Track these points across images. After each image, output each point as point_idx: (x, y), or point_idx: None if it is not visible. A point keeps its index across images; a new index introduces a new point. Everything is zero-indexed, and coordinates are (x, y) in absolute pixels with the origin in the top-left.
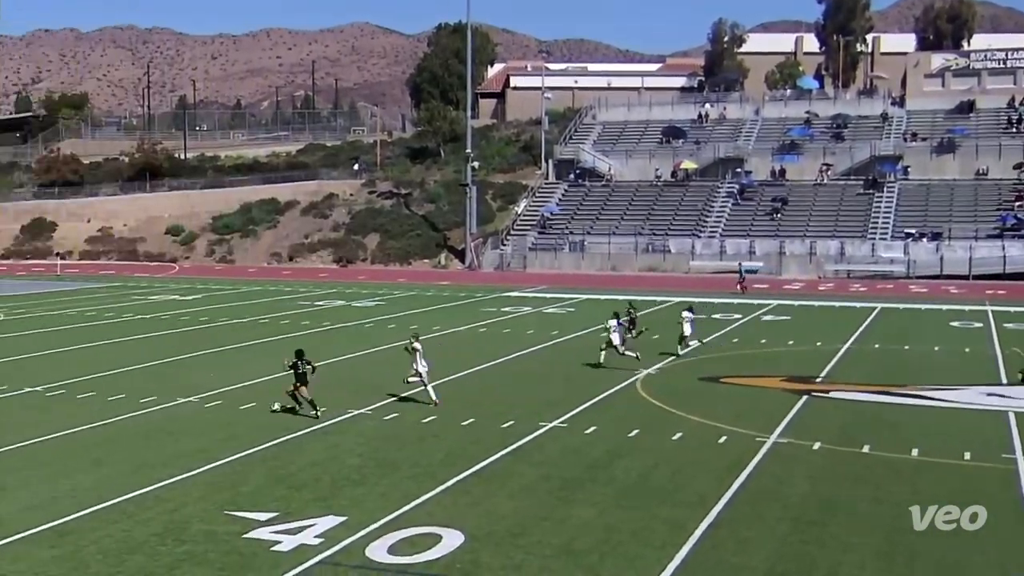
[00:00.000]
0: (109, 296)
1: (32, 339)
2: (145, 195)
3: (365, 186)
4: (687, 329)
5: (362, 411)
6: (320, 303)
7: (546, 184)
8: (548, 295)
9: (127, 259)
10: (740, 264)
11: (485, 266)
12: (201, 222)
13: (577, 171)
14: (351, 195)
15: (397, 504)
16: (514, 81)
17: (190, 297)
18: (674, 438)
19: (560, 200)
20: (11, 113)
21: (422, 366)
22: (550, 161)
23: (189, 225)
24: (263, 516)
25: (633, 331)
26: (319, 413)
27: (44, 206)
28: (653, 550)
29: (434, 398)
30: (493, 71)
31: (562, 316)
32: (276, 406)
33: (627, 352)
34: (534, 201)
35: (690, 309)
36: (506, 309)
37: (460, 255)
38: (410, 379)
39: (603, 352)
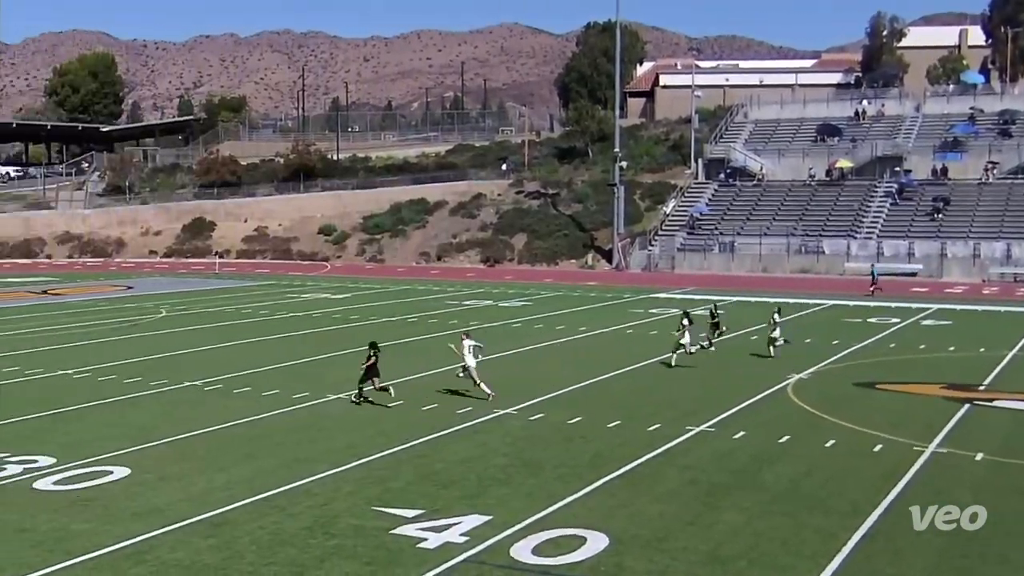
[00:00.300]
0: (264, 294)
1: (191, 335)
2: (299, 195)
3: (513, 186)
4: (776, 331)
5: (508, 411)
6: (467, 303)
7: (695, 184)
8: (697, 296)
9: (281, 258)
10: (872, 265)
11: (632, 267)
12: (352, 222)
13: (728, 170)
14: (499, 195)
15: (542, 504)
16: (663, 80)
17: (341, 296)
18: (826, 445)
19: (710, 200)
20: (174, 117)
21: (470, 361)
22: (700, 160)
23: (341, 225)
24: (410, 513)
25: (716, 333)
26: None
27: (204, 206)
28: (803, 560)
29: (487, 391)
30: (642, 70)
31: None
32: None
33: (691, 349)
34: (683, 201)
35: (779, 312)
36: (654, 311)
37: (607, 255)
38: (459, 374)
39: (674, 355)
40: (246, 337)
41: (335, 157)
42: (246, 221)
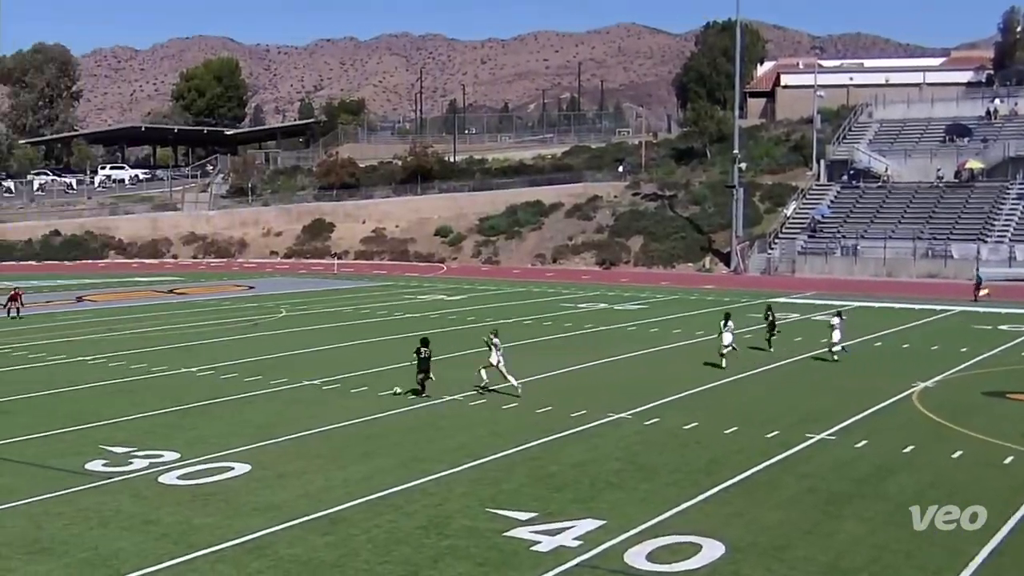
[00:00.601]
0: (381, 295)
1: (310, 334)
2: (416, 197)
3: (629, 188)
4: (836, 335)
5: (622, 415)
6: (583, 305)
7: (817, 185)
8: (818, 301)
9: (398, 259)
10: (977, 269)
11: (751, 270)
12: (468, 223)
13: (851, 172)
14: (615, 197)
15: (657, 510)
16: (785, 79)
17: (457, 297)
18: (953, 456)
19: (832, 202)
20: (295, 120)
21: (495, 358)
22: (822, 162)
23: (457, 226)
24: (523, 515)
25: (774, 332)
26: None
27: (323, 207)
28: (928, 574)
29: (515, 384)
30: (763, 69)
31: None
32: (397, 390)
33: (725, 351)
34: (804, 203)
35: (839, 315)
36: None
37: (725, 259)
38: (483, 369)
39: (724, 358)
40: (364, 337)
41: (452, 159)
42: (364, 222)
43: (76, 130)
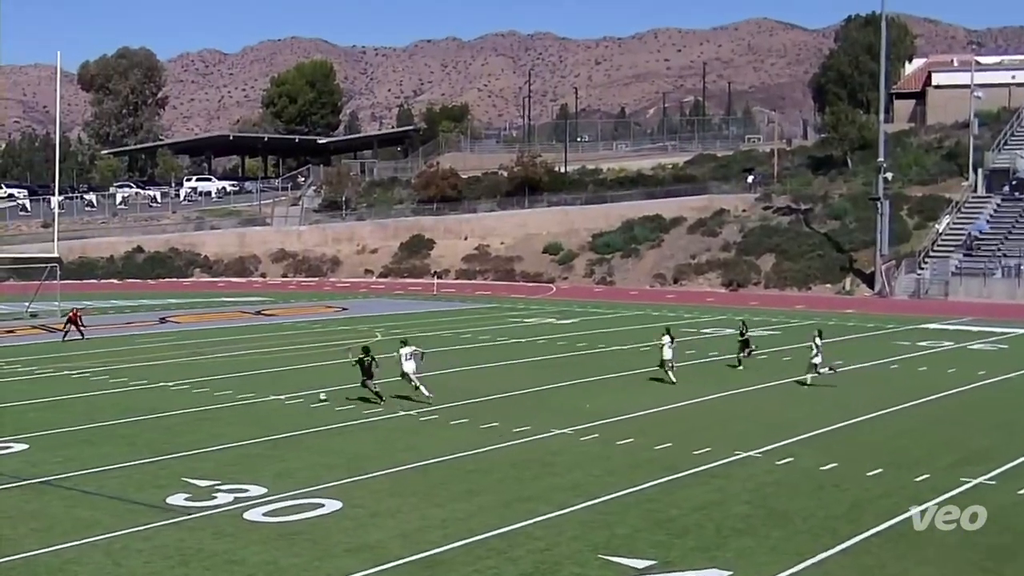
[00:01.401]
0: (485, 318)
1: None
2: (523, 211)
3: (759, 201)
4: (408, 367)
5: (751, 453)
6: (706, 331)
7: (974, 198)
8: (974, 328)
9: (503, 279)
10: None
11: (898, 292)
12: (580, 240)
13: (1013, 182)
14: (743, 211)
15: (790, 561)
16: (936, 78)
17: (567, 321)
18: None
19: (992, 216)
20: (393, 127)
21: (408, 367)
22: (979, 171)
23: (568, 243)
24: (640, 563)
25: (747, 351)
26: (382, 401)
27: (422, 222)
28: None
29: (426, 393)
30: (911, 68)
31: (992, 354)
32: (323, 396)
33: (670, 372)
34: (959, 217)
35: (819, 334)
36: (922, 343)
37: (868, 280)
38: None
39: (663, 368)
40: (464, 364)
41: (563, 169)
42: (466, 239)
43: (161, 139)
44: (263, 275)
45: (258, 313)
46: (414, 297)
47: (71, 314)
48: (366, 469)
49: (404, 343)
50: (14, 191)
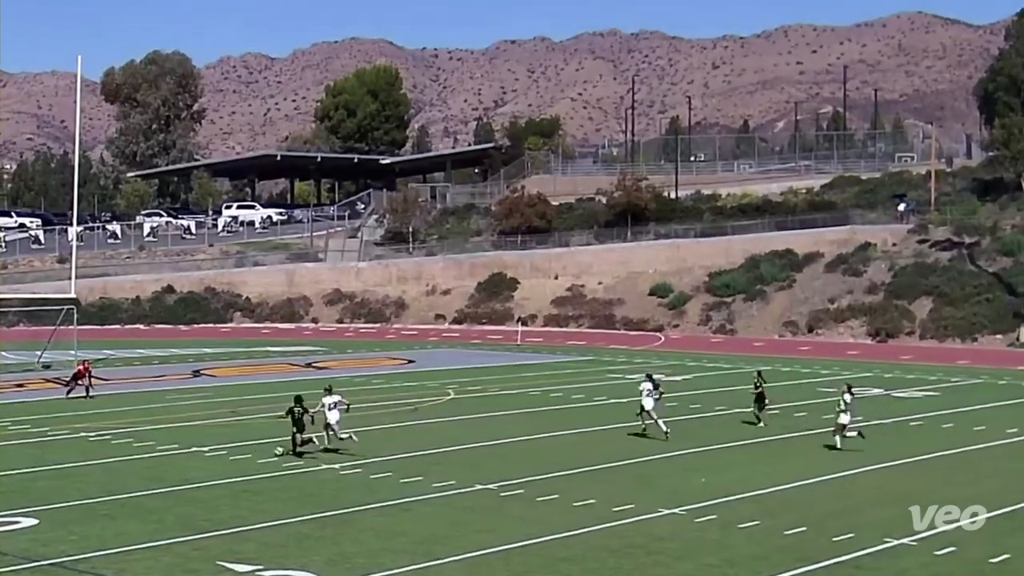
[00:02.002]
0: (579, 373)
1: (485, 424)
2: (625, 245)
3: (913, 233)
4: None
5: (904, 540)
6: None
7: None
8: None
9: (601, 326)
10: None
11: None
12: (694, 280)
13: None
14: (893, 245)
15: None
16: None
17: (679, 378)
18: None
19: None
20: (469, 144)
21: (332, 417)
22: None
23: (679, 284)
24: None
25: (763, 404)
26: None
27: (504, 258)
28: None
29: (354, 439)
30: None
31: None
32: (279, 450)
33: (659, 421)
34: None
35: (849, 390)
36: None
37: None
38: (315, 436)
39: (641, 418)
40: (555, 429)
41: (673, 195)
42: (557, 278)
43: (197, 159)
44: (314, 320)
45: (308, 366)
46: (493, 348)
47: (80, 367)
48: (436, 554)
49: (328, 391)
50: (26, 220)
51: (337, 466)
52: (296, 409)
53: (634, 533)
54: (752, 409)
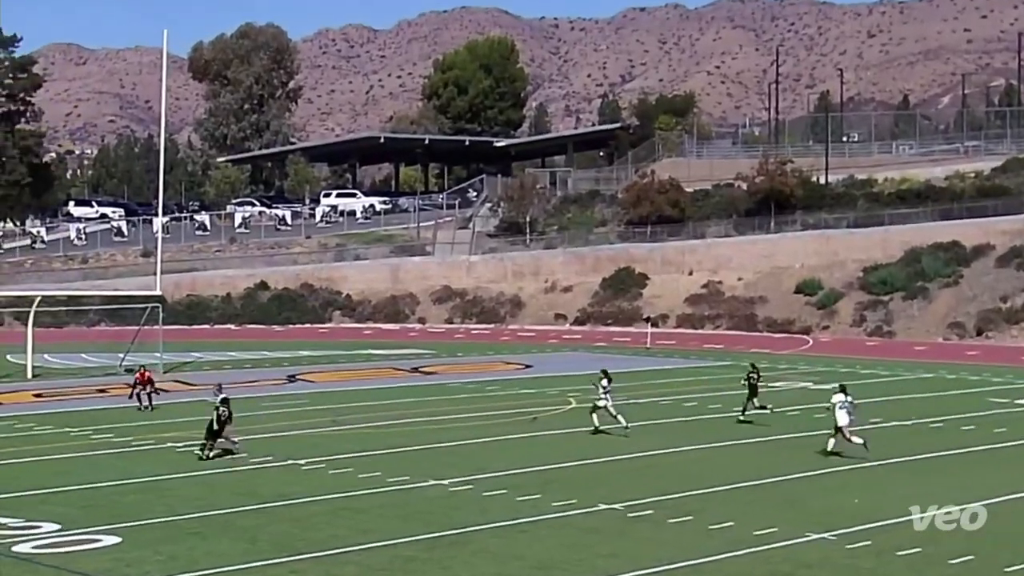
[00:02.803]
0: (715, 380)
1: (610, 437)
2: (768, 236)
3: None
4: (842, 419)
5: None
6: (1022, 401)
7: None
8: None
9: (741, 327)
10: None
11: None
12: (846, 276)
13: None
14: None
15: None
16: None
17: (828, 385)
18: None
19: None
20: (593, 124)
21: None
22: None
23: (829, 280)
24: None
25: (754, 398)
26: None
27: (632, 252)
28: None
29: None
30: None
31: None
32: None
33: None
34: None
35: (843, 390)
36: None
37: None
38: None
39: (593, 415)
40: (688, 442)
41: (822, 180)
42: (691, 273)
43: (292, 143)
44: (421, 320)
45: (415, 371)
46: (620, 351)
47: (139, 374)
48: None
49: (218, 389)
50: (108, 211)
51: (446, 482)
52: (221, 411)
53: (778, 559)
54: (746, 404)
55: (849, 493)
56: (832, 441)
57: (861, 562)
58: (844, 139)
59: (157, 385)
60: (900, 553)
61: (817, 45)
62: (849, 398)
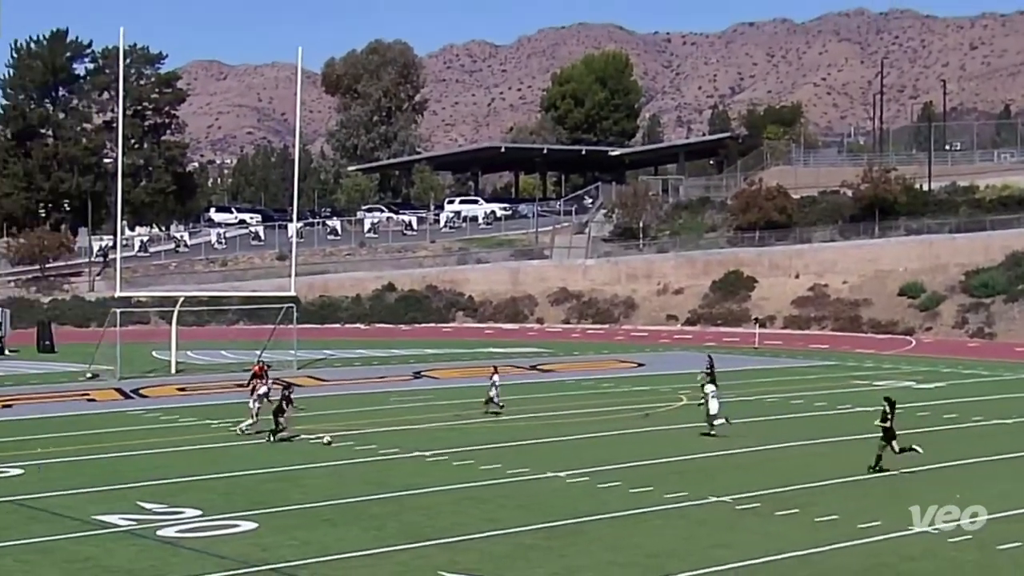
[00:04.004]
0: (820, 379)
1: (718, 436)
2: (872, 241)
3: None
4: (713, 407)
5: None
6: None
7: None
8: None
9: (846, 329)
10: None
11: None
12: (949, 279)
13: None
14: None
15: None
16: None
17: (931, 385)
18: None
19: None
20: (703, 134)
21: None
22: None
23: (931, 283)
24: None
25: (894, 444)
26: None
27: (740, 256)
28: None
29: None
30: None
31: None
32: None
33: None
34: None
35: (710, 372)
36: None
37: None
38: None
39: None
40: (794, 438)
41: (926, 187)
42: (798, 277)
43: (418, 152)
44: (539, 320)
45: (533, 368)
46: (729, 350)
47: (256, 367)
48: (667, 569)
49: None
50: (246, 216)
51: (563, 474)
52: (286, 393)
53: (881, 552)
54: (880, 453)
55: (952, 489)
56: (710, 427)
57: (964, 555)
58: (946, 148)
59: (290, 380)
60: (1001, 547)
61: (920, 57)
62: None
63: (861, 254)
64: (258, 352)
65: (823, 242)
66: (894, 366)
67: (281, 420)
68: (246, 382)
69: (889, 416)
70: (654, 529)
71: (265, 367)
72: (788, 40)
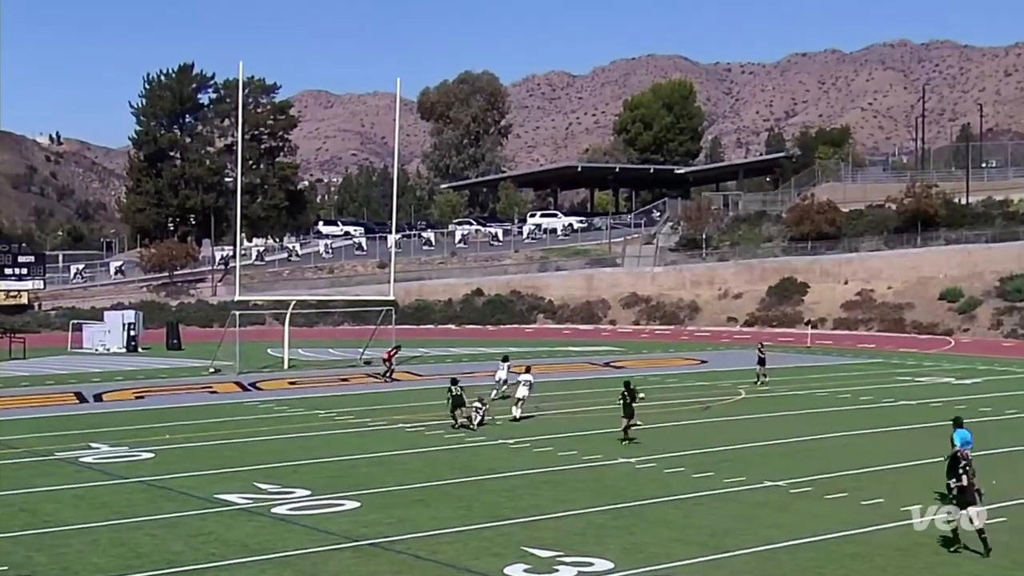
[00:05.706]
0: (866, 375)
1: (774, 423)
2: (915, 250)
3: None
4: (521, 392)
5: None
6: None
7: None
8: None
9: (890, 330)
10: None
11: None
12: (985, 285)
13: None
14: None
15: None
16: None
17: (968, 381)
18: None
19: None
20: (761, 154)
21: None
22: None
23: (969, 288)
24: None
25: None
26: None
27: (794, 264)
28: None
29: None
30: None
31: None
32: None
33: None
34: None
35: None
36: None
37: None
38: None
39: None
40: (842, 428)
41: (964, 201)
42: (846, 283)
43: (503, 171)
44: (612, 322)
45: (607, 365)
46: (784, 349)
47: (389, 351)
48: (725, 547)
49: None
50: (350, 229)
51: (633, 460)
52: (453, 389)
53: (922, 533)
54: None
55: (989, 475)
56: (515, 409)
57: (996, 536)
58: (983, 165)
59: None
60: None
61: (959, 83)
62: (531, 378)
63: (904, 262)
64: (360, 350)
65: (869, 251)
66: (935, 364)
67: (459, 412)
68: (385, 356)
69: (627, 397)
70: (714, 510)
71: (394, 352)
72: (838, 68)
